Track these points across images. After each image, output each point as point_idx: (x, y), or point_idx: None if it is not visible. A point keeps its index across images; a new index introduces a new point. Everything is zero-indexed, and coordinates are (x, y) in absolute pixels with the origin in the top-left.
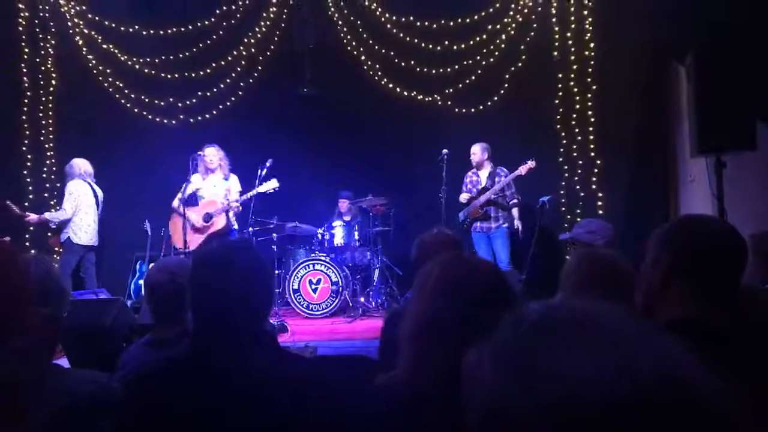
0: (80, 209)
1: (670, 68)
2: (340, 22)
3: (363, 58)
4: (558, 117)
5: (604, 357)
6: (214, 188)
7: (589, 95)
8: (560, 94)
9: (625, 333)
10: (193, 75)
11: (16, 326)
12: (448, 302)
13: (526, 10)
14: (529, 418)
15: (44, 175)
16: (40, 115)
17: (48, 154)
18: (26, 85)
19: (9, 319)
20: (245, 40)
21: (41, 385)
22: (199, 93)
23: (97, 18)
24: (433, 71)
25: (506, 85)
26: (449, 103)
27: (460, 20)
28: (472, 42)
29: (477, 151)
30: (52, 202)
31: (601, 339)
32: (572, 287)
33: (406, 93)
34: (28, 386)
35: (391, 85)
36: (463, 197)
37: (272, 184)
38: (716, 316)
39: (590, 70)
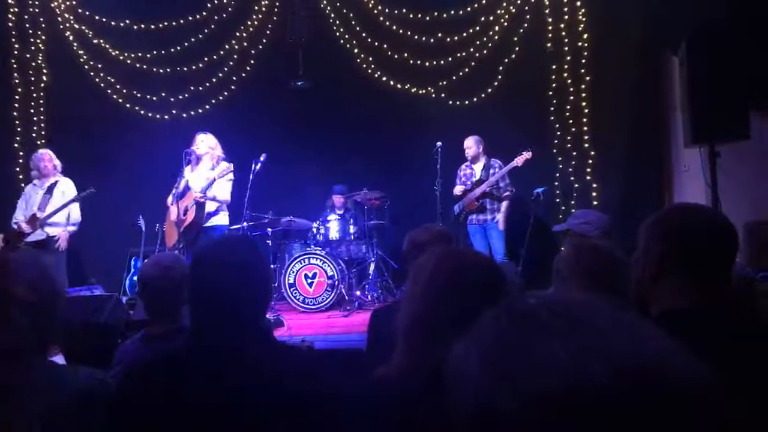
0: None
1: (664, 58)
2: (332, 15)
3: (356, 50)
4: (552, 108)
5: (582, 348)
6: (199, 179)
7: (583, 86)
8: (554, 85)
9: (605, 323)
10: (185, 69)
11: None
12: (442, 296)
13: (519, 2)
14: (511, 410)
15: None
16: (32, 111)
17: (40, 150)
18: (17, 81)
19: None
20: (237, 33)
21: (29, 385)
22: (192, 87)
23: (87, 13)
24: (426, 63)
25: (500, 76)
26: (443, 95)
27: (453, 12)
28: (465, 34)
29: (471, 145)
30: None
31: (580, 330)
32: (566, 278)
33: (399, 85)
34: (11, 389)
35: (384, 78)
36: (457, 190)
37: (222, 167)
38: (708, 305)
39: (584, 60)
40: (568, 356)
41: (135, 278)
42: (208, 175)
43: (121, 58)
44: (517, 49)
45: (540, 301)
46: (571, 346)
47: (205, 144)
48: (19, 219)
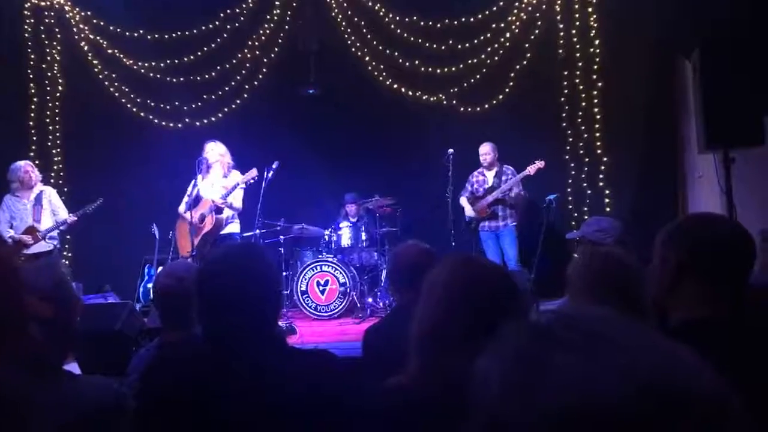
0: None
1: (676, 64)
2: (343, 23)
3: (367, 58)
4: (564, 115)
5: (604, 366)
6: (212, 187)
7: (595, 92)
8: (566, 91)
9: (628, 340)
10: (198, 78)
11: (14, 338)
12: (456, 305)
13: (530, 8)
14: (526, 424)
15: (52, 181)
16: (47, 120)
17: (55, 159)
18: (32, 91)
19: (7, 331)
20: (249, 42)
21: (46, 398)
22: (205, 96)
23: (101, 23)
24: (438, 71)
25: (511, 83)
26: (454, 102)
27: (464, 19)
28: (476, 41)
29: (489, 151)
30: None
31: (603, 347)
32: (579, 286)
33: (410, 93)
34: (28, 403)
35: (395, 85)
36: (463, 201)
37: (251, 174)
38: (726, 315)
39: (595, 67)
40: (589, 373)
41: (149, 285)
42: (224, 183)
43: (135, 67)
44: (528, 55)
45: (561, 316)
46: (591, 363)
47: (215, 152)
48: (10, 231)
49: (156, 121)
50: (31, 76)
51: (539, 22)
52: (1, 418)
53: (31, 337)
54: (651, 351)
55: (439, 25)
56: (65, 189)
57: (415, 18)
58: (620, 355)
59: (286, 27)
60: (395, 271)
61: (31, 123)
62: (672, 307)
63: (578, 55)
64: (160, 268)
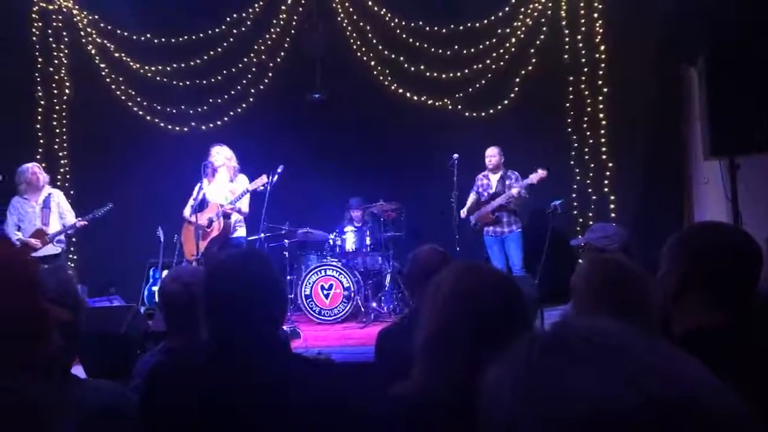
0: None
1: (682, 70)
2: (349, 28)
3: (373, 63)
4: (569, 120)
5: (615, 377)
6: (218, 191)
7: (600, 98)
8: (571, 97)
9: (639, 352)
10: (204, 82)
11: (36, 342)
12: (461, 312)
13: (536, 14)
14: None
15: (58, 184)
16: (54, 124)
17: (62, 162)
18: (39, 94)
19: (36, 339)
20: (255, 47)
21: (55, 403)
22: (210, 100)
23: (109, 27)
24: (443, 76)
25: (516, 89)
26: (459, 107)
27: (469, 24)
28: (481, 46)
29: (495, 154)
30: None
31: (614, 359)
32: (583, 293)
33: (416, 98)
34: (39, 408)
35: (401, 90)
36: (470, 201)
37: (261, 180)
38: (733, 324)
39: (601, 73)
40: (600, 385)
41: (154, 288)
42: (230, 187)
43: (142, 71)
44: (533, 61)
45: (572, 328)
46: (603, 374)
47: (222, 156)
48: (17, 234)
49: (162, 124)
50: (38, 79)
51: (545, 28)
52: (26, 426)
53: (54, 344)
54: (662, 362)
55: (444, 31)
56: (71, 191)
57: (420, 23)
58: (632, 367)
59: (292, 32)
60: (412, 273)
61: (38, 126)
62: (677, 316)
63: (583, 60)
64: (165, 272)
